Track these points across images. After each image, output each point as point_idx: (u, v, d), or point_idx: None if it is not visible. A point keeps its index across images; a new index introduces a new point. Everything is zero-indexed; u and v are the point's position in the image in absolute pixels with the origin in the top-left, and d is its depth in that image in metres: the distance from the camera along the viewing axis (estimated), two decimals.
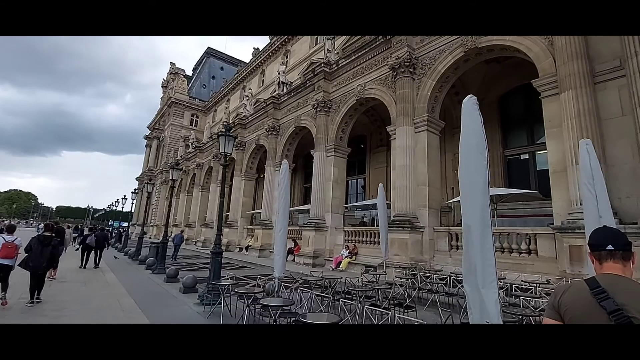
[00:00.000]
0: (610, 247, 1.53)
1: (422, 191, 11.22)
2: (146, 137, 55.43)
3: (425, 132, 11.34)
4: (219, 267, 7.70)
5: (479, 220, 3.44)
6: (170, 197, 16.21)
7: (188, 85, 49.77)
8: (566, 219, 7.50)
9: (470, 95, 3.87)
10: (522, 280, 7.61)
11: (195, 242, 26.87)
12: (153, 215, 42.59)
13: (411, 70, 11.71)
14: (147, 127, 56.28)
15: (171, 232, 30.66)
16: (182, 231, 23.26)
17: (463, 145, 3.95)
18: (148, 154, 53.19)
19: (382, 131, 17.83)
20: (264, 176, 20.95)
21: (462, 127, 3.84)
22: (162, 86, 54.02)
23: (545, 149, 9.11)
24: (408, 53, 11.60)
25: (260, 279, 7.94)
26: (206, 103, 46.69)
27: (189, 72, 55.11)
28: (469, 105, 3.92)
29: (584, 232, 5.92)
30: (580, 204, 6.96)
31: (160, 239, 14.42)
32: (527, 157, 12.99)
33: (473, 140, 3.88)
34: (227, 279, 7.61)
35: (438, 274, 8.91)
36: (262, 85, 31.55)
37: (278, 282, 6.70)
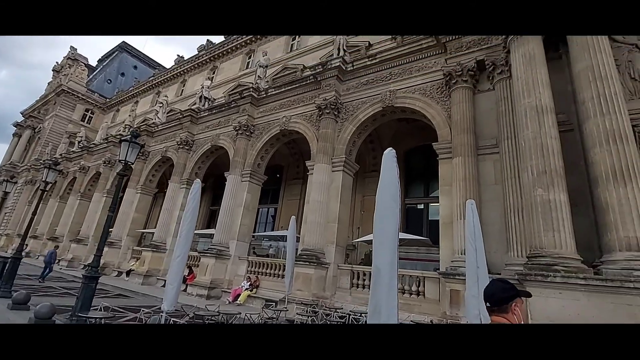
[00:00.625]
0: (487, 304, 1.81)
1: (332, 228, 11.57)
2: (17, 125, 45.09)
3: (341, 172, 11.98)
4: (91, 295, 6.31)
5: (388, 264, 3.62)
6: (38, 202, 13.01)
7: (89, 76, 43.32)
8: (449, 266, 8.56)
9: (390, 148, 4.25)
10: (411, 320, 8.22)
11: (60, 260, 21.93)
12: (5, 221, 33.73)
13: (335, 113, 12.49)
14: (22, 113, 46.13)
15: (26, 245, 24.66)
16: (56, 247, 18.91)
17: (380, 193, 4.21)
18: (15, 144, 43.05)
19: (300, 164, 18.22)
20: (165, 192, 18.87)
21: (381, 176, 4.11)
22: (53, 70, 45.71)
23: (437, 202, 10.52)
24: (335, 97, 12.42)
25: (144, 311, 6.75)
26: (108, 100, 41.01)
27: (93, 63, 48.32)
28: (389, 158, 4.26)
29: (464, 279, 6.83)
30: (462, 254, 8.09)
31: (10, 251, 11.29)
32: (422, 207, 14.80)
33: (390, 190, 4.18)
34: (100, 310, 6.26)
35: (338, 312, 9.01)
36: (181, 95, 29.50)
37: (166, 317, 5.79)
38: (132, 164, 7.45)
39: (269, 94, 15.36)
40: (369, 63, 12.14)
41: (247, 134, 15.34)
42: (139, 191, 20.22)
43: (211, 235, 15.40)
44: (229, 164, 15.65)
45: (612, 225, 6.07)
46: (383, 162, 4.21)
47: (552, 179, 6.76)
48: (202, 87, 20.32)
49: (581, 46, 6.93)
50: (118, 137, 21.27)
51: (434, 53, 10.74)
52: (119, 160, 7.33)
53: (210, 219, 23.29)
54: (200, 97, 19.88)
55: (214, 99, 21.50)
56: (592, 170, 6.69)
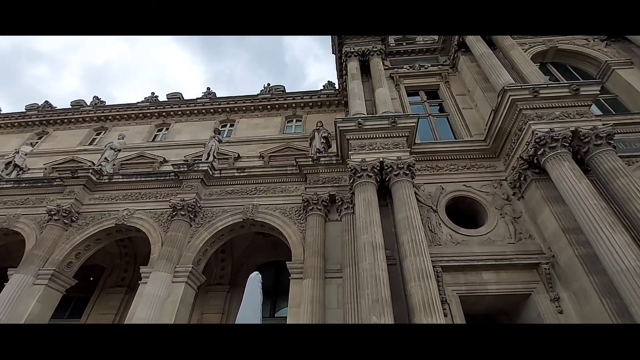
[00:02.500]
0: None
1: None
2: None
3: (183, 284, 10.39)
4: None
5: None
6: None
7: None
8: None
9: (257, 272, 4.40)
10: None
11: None
12: None
13: (192, 216, 11.61)
14: None
15: None
16: None
17: (242, 318, 4.02)
18: None
19: (130, 269, 15.10)
20: None
21: (243, 299, 4.06)
22: None
23: (283, 322, 10.13)
24: (195, 200, 11.75)
25: None
26: None
27: None
28: (255, 282, 4.31)
29: None
30: None
31: None
32: None
33: (253, 315, 4.04)
34: None
35: None
36: None
37: None
38: None
39: (114, 180, 13.26)
40: (237, 175, 12.53)
41: (67, 221, 12.10)
42: None
43: None
44: (20, 258, 11.45)
45: None
46: (248, 285, 4.17)
47: (382, 307, 7.69)
48: (18, 152, 15.89)
49: (400, 201, 9.25)
50: None
51: (297, 180, 12.16)
52: None
53: None
54: (9, 163, 15.27)
55: (28, 169, 16.85)
56: (409, 301, 8.03)
